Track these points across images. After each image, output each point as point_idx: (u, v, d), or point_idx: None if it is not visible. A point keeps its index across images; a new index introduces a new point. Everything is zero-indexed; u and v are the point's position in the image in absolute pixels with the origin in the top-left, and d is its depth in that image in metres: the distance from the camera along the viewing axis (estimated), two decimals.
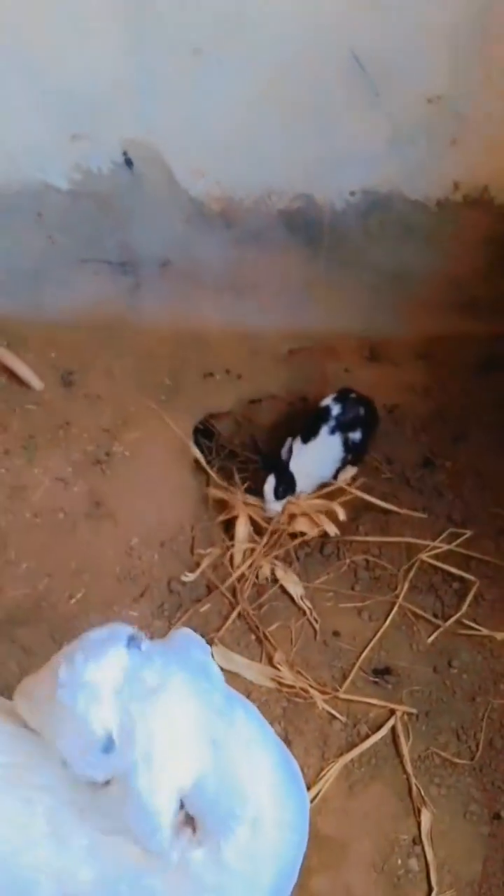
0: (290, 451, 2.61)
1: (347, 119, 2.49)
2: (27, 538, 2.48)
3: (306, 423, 2.71)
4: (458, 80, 2.38)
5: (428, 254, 2.84)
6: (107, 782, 1.15)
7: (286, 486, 2.56)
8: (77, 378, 3.09)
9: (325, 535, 2.49)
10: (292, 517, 2.56)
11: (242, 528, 2.55)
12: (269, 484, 2.55)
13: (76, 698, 1.09)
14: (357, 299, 3.04)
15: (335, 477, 2.69)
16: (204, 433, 3.06)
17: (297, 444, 2.67)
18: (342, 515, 2.49)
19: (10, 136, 2.68)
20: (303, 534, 2.51)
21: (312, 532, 2.50)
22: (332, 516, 2.51)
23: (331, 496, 2.59)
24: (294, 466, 2.58)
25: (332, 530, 2.46)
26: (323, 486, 2.66)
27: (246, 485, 2.73)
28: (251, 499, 2.64)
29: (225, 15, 2.29)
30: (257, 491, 2.63)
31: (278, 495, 2.55)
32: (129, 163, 2.68)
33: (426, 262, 2.87)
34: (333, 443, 2.65)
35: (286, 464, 2.58)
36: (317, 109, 2.49)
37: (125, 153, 2.66)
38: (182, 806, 1.17)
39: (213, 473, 2.75)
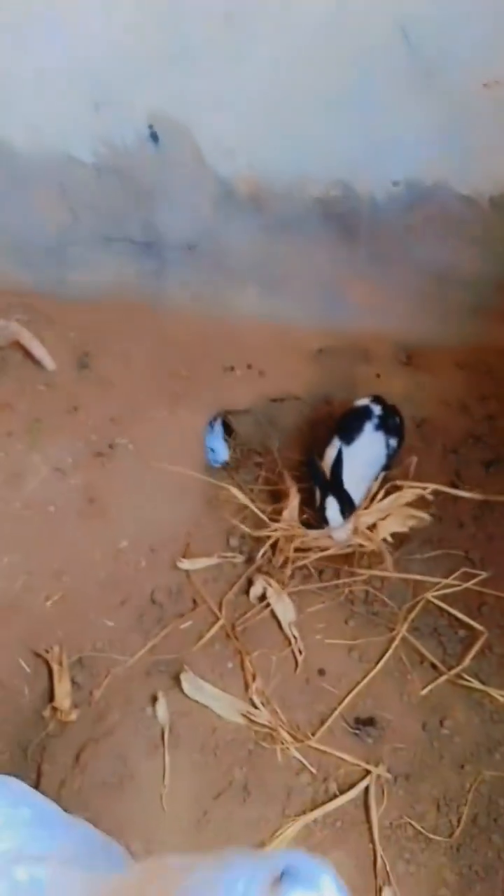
0: (340, 462, 2.23)
1: (392, 101, 2.23)
2: (13, 530, 2.37)
3: (343, 425, 2.41)
4: None
5: (476, 255, 2.55)
6: None
7: (349, 503, 2.22)
8: (92, 361, 2.95)
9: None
10: (365, 530, 2.25)
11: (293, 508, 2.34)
12: (333, 508, 2.19)
13: None
14: (395, 299, 2.78)
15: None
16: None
17: (334, 447, 2.34)
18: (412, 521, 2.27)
19: (33, 104, 2.54)
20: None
21: (406, 526, 2.27)
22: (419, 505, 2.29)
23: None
24: (345, 474, 2.24)
25: (424, 515, 2.26)
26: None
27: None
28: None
29: None
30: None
31: (345, 516, 2.21)
32: (154, 137, 2.50)
33: (473, 264, 2.58)
34: (378, 441, 2.39)
35: (340, 482, 2.22)
36: (359, 89, 2.23)
37: (150, 126, 2.48)
38: None
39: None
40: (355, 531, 2.23)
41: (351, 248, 2.66)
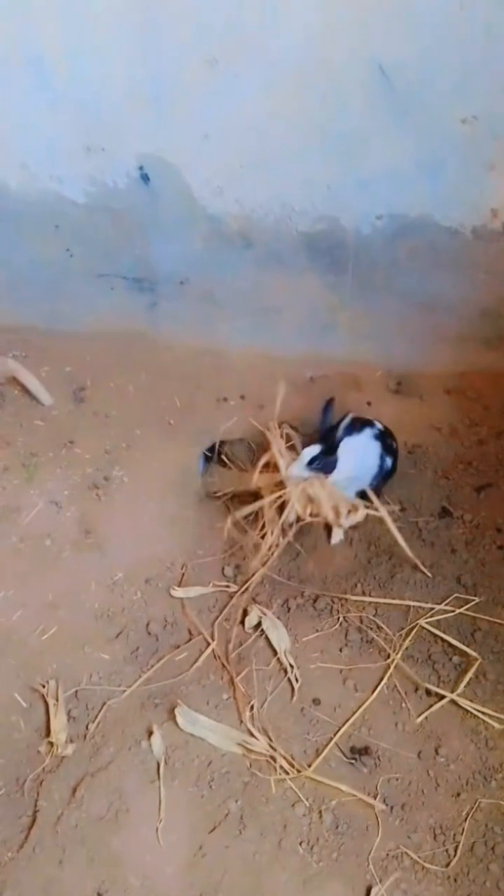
0: (347, 429, 2.28)
1: (373, 138, 2.30)
2: (9, 564, 2.39)
3: (347, 423, 2.36)
4: (496, 99, 2.14)
5: (461, 284, 2.61)
6: None
7: (324, 463, 2.24)
8: (88, 394, 3.00)
9: (282, 534, 2.25)
10: (283, 500, 2.28)
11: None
12: (310, 450, 2.24)
13: None
14: (383, 328, 2.83)
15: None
16: (214, 459, 2.89)
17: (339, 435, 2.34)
18: (356, 517, 2.26)
19: (25, 145, 2.62)
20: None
21: (304, 516, 2.24)
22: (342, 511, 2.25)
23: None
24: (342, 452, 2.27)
25: (345, 522, 2.25)
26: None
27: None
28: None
29: (239, 23, 2.13)
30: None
31: (312, 464, 2.23)
32: (145, 178, 2.57)
33: (458, 293, 2.64)
34: (373, 449, 2.41)
35: (336, 445, 2.25)
36: (339, 127, 2.31)
37: (141, 168, 2.55)
38: None
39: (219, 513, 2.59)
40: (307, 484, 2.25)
41: (339, 280, 2.72)
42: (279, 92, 2.26)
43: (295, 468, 2.26)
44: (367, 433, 2.44)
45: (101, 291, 2.97)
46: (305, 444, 2.33)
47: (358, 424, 2.43)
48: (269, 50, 2.16)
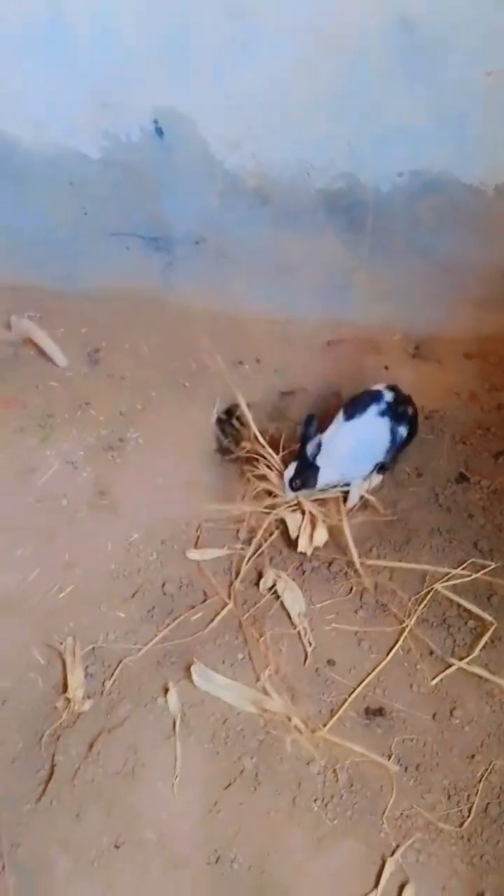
0: (318, 448, 2.27)
1: (395, 93, 2.22)
2: (26, 524, 2.40)
3: (350, 402, 2.40)
4: None
5: (483, 244, 2.55)
6: None
7: (304, 480, 2.28)
8: (103, 356, 2.97)
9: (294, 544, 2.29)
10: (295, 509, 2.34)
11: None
12: (288, 473, 2.29)
13: None
14: (402, 290, 2.77)
15: (370, 474, 2.44)
16: (229, 424, 2.87)
17: (337, 422, 2.37)
18: (321, 540, 2.28)
19: (39, 101, 2.56)
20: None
21: (292, 534, 2.29)
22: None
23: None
24: (329, 446, 2.28)
25: (306, 549, 2.26)
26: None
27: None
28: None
29: None
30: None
31: (293, 487, 2.29)
32: (159, 131, 2.51)
33: (480, 254, 2.57)
34: (381, 428, 2.36)
35: (311, 459, 2.27)
36: (361, 80, 2.23)
37: (155, 121, 2.49)
38: None
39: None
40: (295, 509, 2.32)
41: (357, 240, 2.66)
42: (300, 45, 2.18)
43: (284, 493, 2.32)
44: (372, 411, 2.36)
45: (117, 251, 2.92)
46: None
47: (362, 403, 2.38)
48: (291, 2, 2.08)
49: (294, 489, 2.30)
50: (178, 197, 2.69)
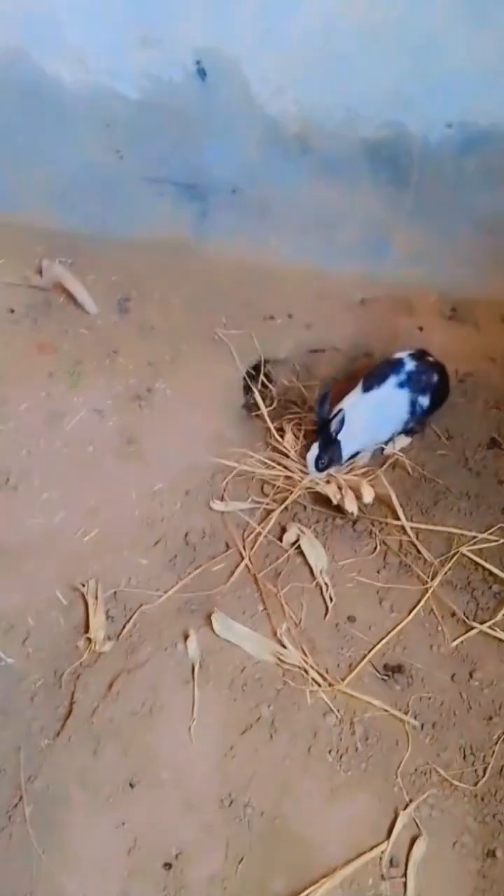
0: (342, 423, 2.26)
1: (447, 36, 2.13)
2: (53, 468, 2.40)
3: (371, 372, 2.39)
4: None
5: None
6: None
7: (330, 457, 2.29)
8: (133, 305, 2.94)
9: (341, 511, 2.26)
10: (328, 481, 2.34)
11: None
12: (312, 454, 2.29)
13: None
14: (442, 249, 2.70)
15: (387, 443, 2.43)
16: (256, 379, 2.84)
17: (356, 394, 2.36)
18: (369, 497, 2.23)
19: (79, 36, 2.49)
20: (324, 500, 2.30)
21: (335, 500, 2.26)
22: (359, 494, 2.25)
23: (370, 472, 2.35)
24: (348, 419, 2.26)
25: (353, 508, 2.22)
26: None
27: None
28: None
29: None
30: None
31: (319, 467, 2.30)
32: (201, 72, 2.44)
33: None
34: (400, 399, 2.35)
35: (334, 435, 2.26)
36: (411, 22, 2.14)
37: (198, 62, 2.42)
38: None
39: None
40: (328, 482, 2.31)
41: (399, 194, 2.58)
42: None
43: (310, 474, 2.32)
44: (391, 383, 2.34)
45: (151, 198, 2.87)
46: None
47: (380, 374, 2.35)
48: None
49: (321, 469, 2.30)
50: (217, 143, 2.63)
